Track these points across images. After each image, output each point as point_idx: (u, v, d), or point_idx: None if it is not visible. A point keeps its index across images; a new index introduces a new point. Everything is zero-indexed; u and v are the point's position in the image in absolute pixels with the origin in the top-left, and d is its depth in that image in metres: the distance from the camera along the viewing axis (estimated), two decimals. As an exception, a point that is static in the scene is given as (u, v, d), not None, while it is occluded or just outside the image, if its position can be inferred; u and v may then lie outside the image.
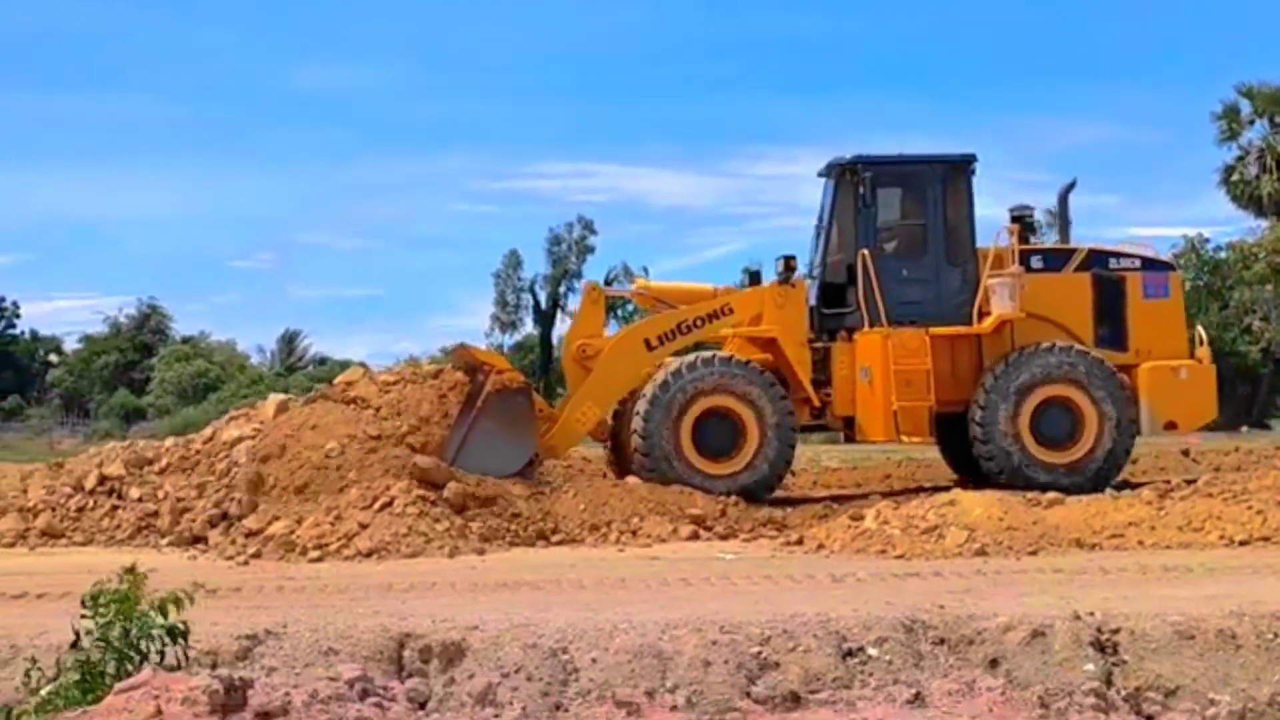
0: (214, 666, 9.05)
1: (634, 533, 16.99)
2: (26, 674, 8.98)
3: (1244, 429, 50.74)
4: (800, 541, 16.32)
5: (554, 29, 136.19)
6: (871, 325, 19.97)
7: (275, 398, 19.86)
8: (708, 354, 19.86)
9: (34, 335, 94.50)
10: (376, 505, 16.31)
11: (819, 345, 20.52)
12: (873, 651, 9.96)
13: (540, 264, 72.07)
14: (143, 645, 8.71)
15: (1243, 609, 10.38)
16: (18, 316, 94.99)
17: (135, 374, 76.01)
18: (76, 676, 8.59)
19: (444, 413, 18.16)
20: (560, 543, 16.76)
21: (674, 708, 7.59)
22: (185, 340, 78.92)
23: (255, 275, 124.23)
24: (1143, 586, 12.39)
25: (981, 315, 20.09)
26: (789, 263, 20.43)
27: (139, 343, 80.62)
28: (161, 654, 8.76)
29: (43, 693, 8.91)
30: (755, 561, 15.23)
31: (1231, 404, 61.96)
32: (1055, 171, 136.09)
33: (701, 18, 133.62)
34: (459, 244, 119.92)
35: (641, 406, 19.21)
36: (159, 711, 6.71)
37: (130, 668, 8.43)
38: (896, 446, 23.57)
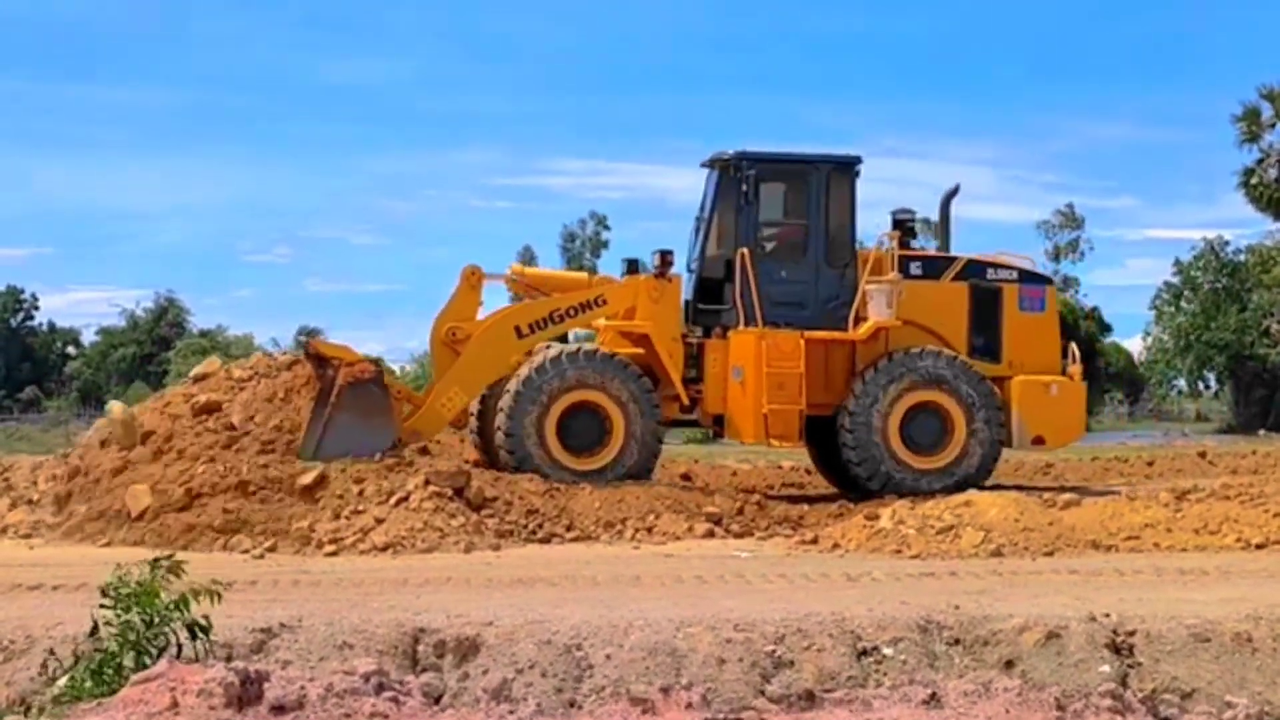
0: (229, 659, 9.06)
1: (649, 530, 16.99)
2: (44, 664, 9.00)
3: (1261, 432, 50.62)
4: (815, 540, 16.31)
5: (571, 24, 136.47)
6: (747, 324, 19.66)
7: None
8: (574, 347, 19.51)
9: (52, 327, 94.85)
10: (393, 500, 16.34)
11: (693, 341, 20.28)
12: (888, 651, 9.95)
13: (555, 260, 72.17)
14: (161, 638, 8.73)
15: (1259, 612, 10.36)
16: (36, 308, 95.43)
17: (152, 367, 76.12)
18: (93, 668, 8.61)
19: (296, 411, 17.85)
20: (575, 539, 16.76)
21: (689, 705, 7.59)
22: (203, 334, 79.01)
23: (272, 269, 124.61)
24: (1159, 589, 12.37)
25: (858, 320, 19.83)
26: (665, 257, 19.96)
27: (156, 335, 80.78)
28: (179, 647, 8.77)
29: (59, 684, 8.94)
30: (770, 560, 15.22)
31: (1249, 407, 61.99)
32: (1073, 172, 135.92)
33: (721, 15, 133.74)
34: (474, 239, 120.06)
35: (506, 400, 18.84)
36: (175, 703, 6.73)
37: (148, 660, 8.44)
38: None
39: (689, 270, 20.76)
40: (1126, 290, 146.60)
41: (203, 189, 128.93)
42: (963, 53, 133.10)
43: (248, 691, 6.96)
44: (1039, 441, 20.47)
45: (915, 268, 20.35)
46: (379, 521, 16.00)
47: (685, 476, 21.86)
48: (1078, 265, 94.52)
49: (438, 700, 8.84)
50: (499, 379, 19.47)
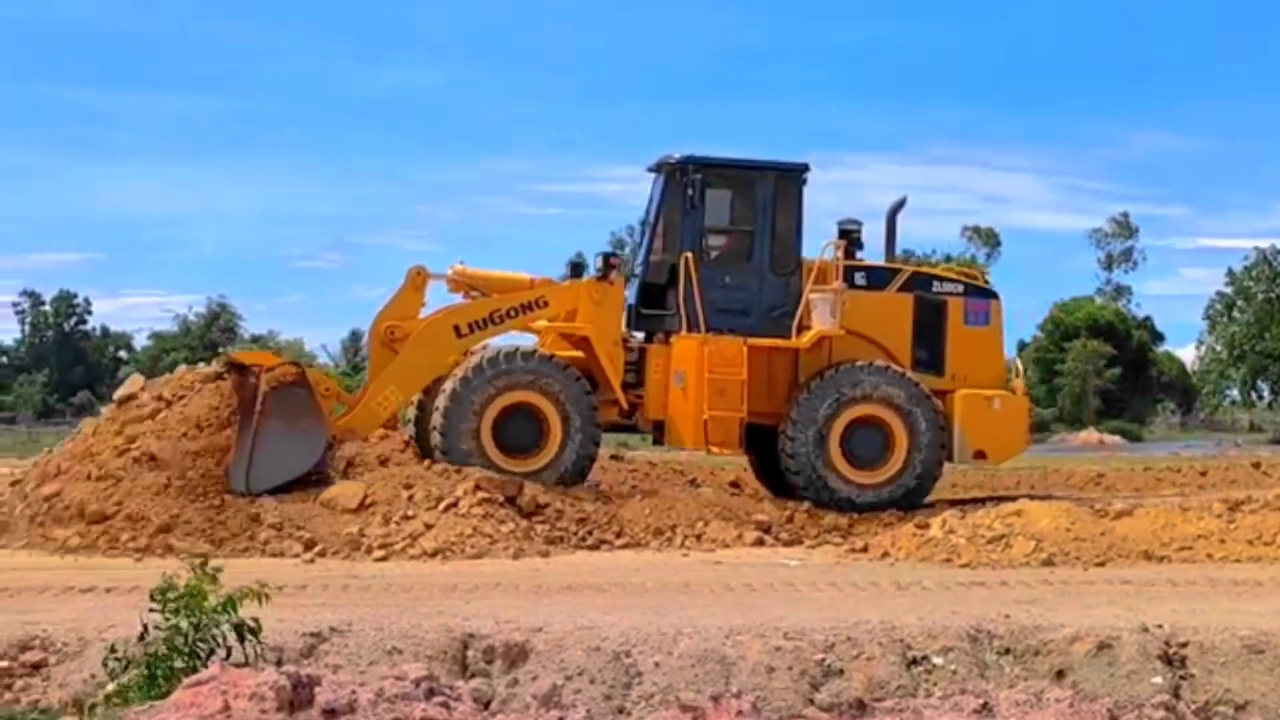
0: (279, 663, 9.10)
1: (699, 537, 16.98)
2: (104, 662, 9.07)
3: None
4: (865, 549, 16.27)
5: (618, 31, 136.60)
6: (689, 330, 19.30)
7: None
8: (511, 348, 19.06)
9: (104, 332, 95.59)
10: (442, 506, 16.38)
11: (635, 345, 20.01)
12: (938, 661, 9.92)
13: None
14: (209, 641, 8.77)
15: (1314, 624, 10.28)
16: (89, 313, 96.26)
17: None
18: (145, 671, 8.66)
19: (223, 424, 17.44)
20: (625, 546, 16.76)
21: (739, 713, 7.58)
22: (254, 339, 79.44)
23: (322, 275, 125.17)
24: (1211, 600, 12.29)
25: (801, 328, 19.53)
26: (609, 260, 19.75)
27: (208, 340, 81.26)
28: (229, 650, 8.82)
29: (111, 686, 8.99)
30: (820, 568, 15.19)
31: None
32: (1125, 181, 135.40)
33: (769, 22, 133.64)
34: (525, 246, 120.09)
35: (442, 400, 18.46)
36: (227, 707, 6.75)
37: (198, 663, 8.49)
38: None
39: (632, 274, 20.52)
40: (1179, 299, 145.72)
41: (252, 196, 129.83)
42: (1013, 61, 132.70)
43: (299, 696, 6.97)
44: (980, 456, 20.15)
45: (860, 278, 20.03)
46: (428, 527, 16.04)
47: (734, 484, 21.77)
48: (1130, 274, 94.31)
49: (487, 706, 8.85)
50: (436, 379, 19.19)
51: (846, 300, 19.44)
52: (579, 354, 19.31)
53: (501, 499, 16.79)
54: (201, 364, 19.16)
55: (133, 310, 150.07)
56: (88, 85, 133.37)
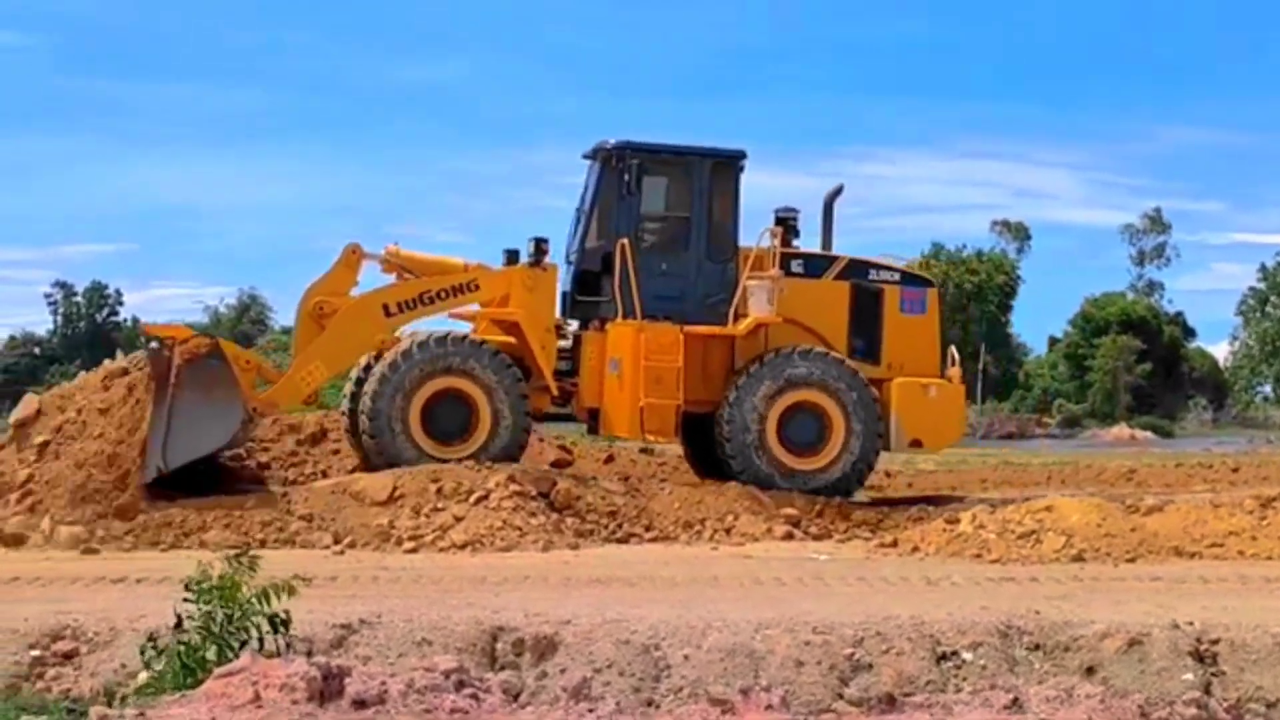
0: (309, 654, 9.12)
1: (728, 531, 16.99)
2: (141, 651, 9.11)
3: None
4: (895, 544, 16.24)
5: (652, 25, 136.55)
6: (625, 317, 19.16)
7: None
8: (443, 333, 18.87)
9: (136, 322, 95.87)
10: (472, 498, 16.42)
11: (570, 333, 19.91)
12: (967, 656, 9.89)
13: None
14: (243, 632, 8.81)
15: (1346, 622, 10.23)
16: (120, 304, 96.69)
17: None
18: (177, 661, 8.70)
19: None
20: (654, 540, 16.77)
21: (769, 707, 7.58)
22: (284, 330, 79.55)
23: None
24: (1243, 597, 12.24)
25: (738, 316, 19.41)
26: (540, 245, 19.43)
27: (239, 332, 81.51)
28: (261, 641, 8.85)
29: (143, 676, 9.03)
30: (849, 563, 15.18)
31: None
32: (1158, 176, 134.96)
33: (805, 17, 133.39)
34: (555, 238, 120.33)
35: (371, 385, 18.32)
36: (257, 697, 6.78)
37: (230, 654, 8.52)
38: (993, 449, 23.22)
39: (567, 261, 20.22)
40: (1212, 295, 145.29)
41: (284, 187, 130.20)
42: (1045, 55, 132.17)
43: (329, 686, 7.00)
44: (916, 444, 20.15)
45: (797, 266, 19.91)
46: (458, 519, 16.09)
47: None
48: (1163, 270, 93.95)
49: (516, 697, 8.86)
50: (361, 356, 19.12)
51: (784, 288, 19.33)
52: (510, 340, 19.09)
53: (534, 492, 16.81)
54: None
55: (164, 301, 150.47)
56: (121, 77, 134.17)
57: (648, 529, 16.99)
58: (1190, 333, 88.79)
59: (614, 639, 9.97)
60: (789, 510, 17.71)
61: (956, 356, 20.71)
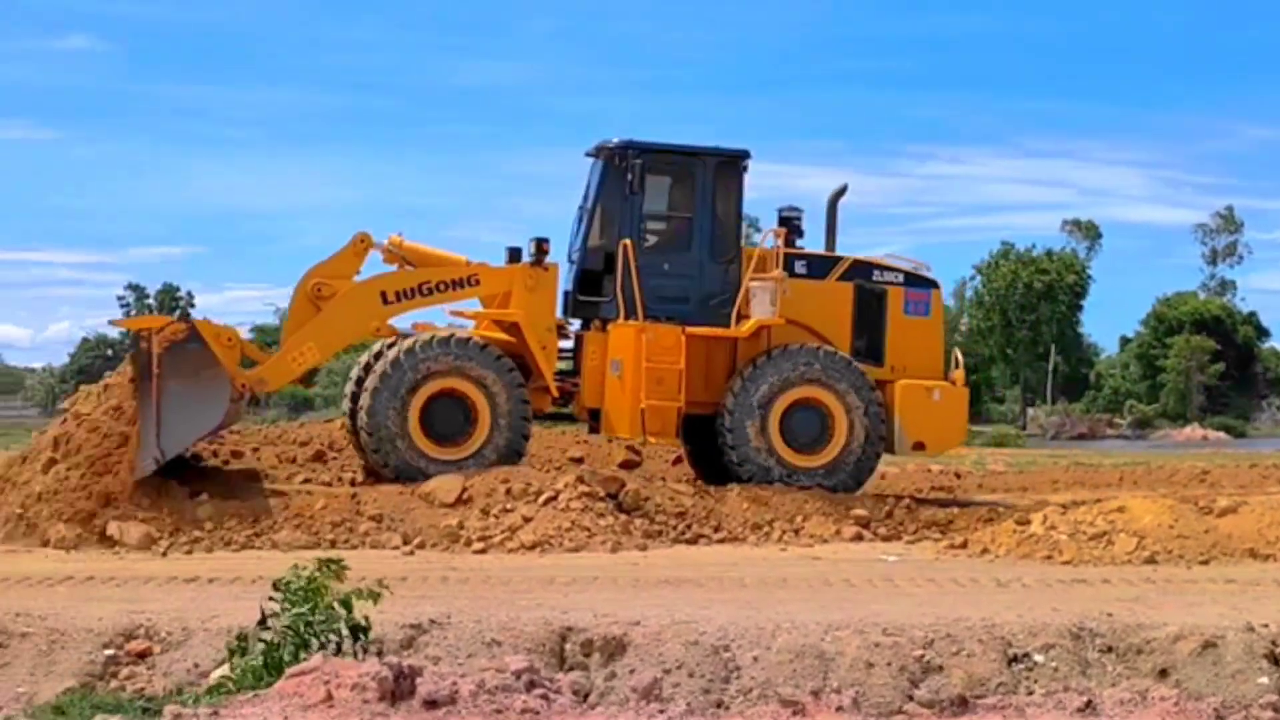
0: (380, 654, 9.17)
1: (796, 532, 16.95)
2: (227, 646, 9.18)
3: None
4: (964, 545, 16.15)
5: (713, 23, 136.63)
6: (627, 317, 18.94)
7: None
8: (444, 333, 18.64)
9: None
10: (541, 499, 16.45)
11: (572, 333, 19.75)
12: (1039, 658, 9.83)
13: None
14: (325, 635, 8.86)
15: None
16: (192, 306, 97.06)
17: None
18: (251, 660, 8.76)
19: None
20: (722, 541, 16.74)
21: (839, 709, 7.55)
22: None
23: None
24: (1320, 599, 12.10)
25: (740, 317, 19.21)
26: (541, 245, 19.17)
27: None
28: (339, 646, 8.90)
29: (216, 674, 9.11)
30: (918, 564, 15.11)
31: None
32: (1229, 174, 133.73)
33: (868, 14, 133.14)
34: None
35: (371, 383, 18.19)
36: (329, 697, 6.81)
37: (305, 654, 8.57)
38: (1064, 450, 23.02)
39: (570, 260, 20.01)
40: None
41: (353, 188, 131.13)
42: (1114, 52, 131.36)
43: (400, 686, 7.02)
44: (919, 447, 19.89)
45: (800, 266, 19.69)
46: (527, 520, 16.12)
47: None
48: (1235, 269, 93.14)
49: (586, 698, 8.87)
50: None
51: (786, 289, 19.18)
52: (511, 340, 18.93)
53: (602, 493, 16.83)
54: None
55: (235, 303, 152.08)
56: (191, 81, 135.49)
57: (716, 530, 16.97)
58: (1264, 332, 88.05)
59: (683, 640, 9.96)
60: (858, 511, 17.66)
61: (960, 358, 20.54)
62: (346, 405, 19.72)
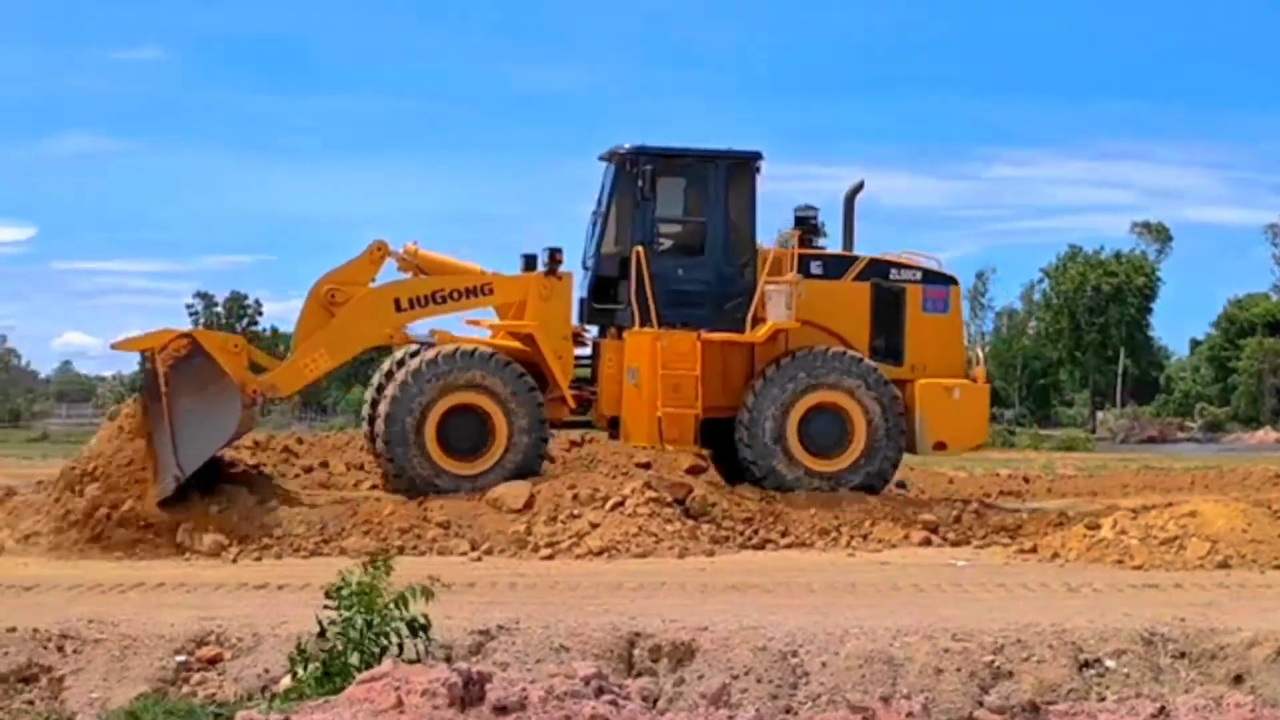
0: (449, 660, 9.21)
1: (864, 537, 16.89)
2: (290, 657, 9.24)
3: None
4: (1034, 550, 16.05)
5: (778, 27, 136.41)
6: (642, 324, 18.62)
7: None
8: (458, 347, 18.31)
9: (275, 332, 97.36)
10: (608, 505, 16.47)
11: (589, 340, 19.53)
12: (1110, 664, 9.77)
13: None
14: (383, 637, 8.90)
15: None
16: (260, 314, 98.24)
17: (371, 371, 77.63)
18: (320, 666, 8.81)
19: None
20: (790, 546, 16.70)
21: (909, 715, 7.51)
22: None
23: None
24: (1396, 604, 11.96)
25: (756, 320, 18.87)
26: (554, 255, 18.86)
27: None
28: (401, 646, 8.94)
29: (286, 681, 9.16)
30: (988, 569, 15.03)
31: None
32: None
33: (936, 16, 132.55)
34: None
35: (386, 400, 18.02)
36: (399, 703, 6.83)
37: (372, 660, 8.61)
38: (1133, 454, 22.81)
39: (584, 267, 19.69)
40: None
41: (417, 196, 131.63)
42: (1182, 52, 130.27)
43: (470, 692, 7.03)
44: (940, 447, 19.57)
45: (816, 267, 19.24)
46: (594, 526, 16.14)
47: (900, 484, 21.64)
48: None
49: (654, 704, 8.87)
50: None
51: (802, 291, 18.97)
52: (525, 349, 18.74)
53: (669, 499, 16.82)
54: None
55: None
56: (260, 90, 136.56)
57: (783, 535, 16.93)
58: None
59: (751, 646, 9.96)
60: (927, 516, 17.58)
61: (980, 356, 20.33)
62: (366, 411, 19.67)
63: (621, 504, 16.45)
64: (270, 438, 21.46)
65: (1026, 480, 24.74)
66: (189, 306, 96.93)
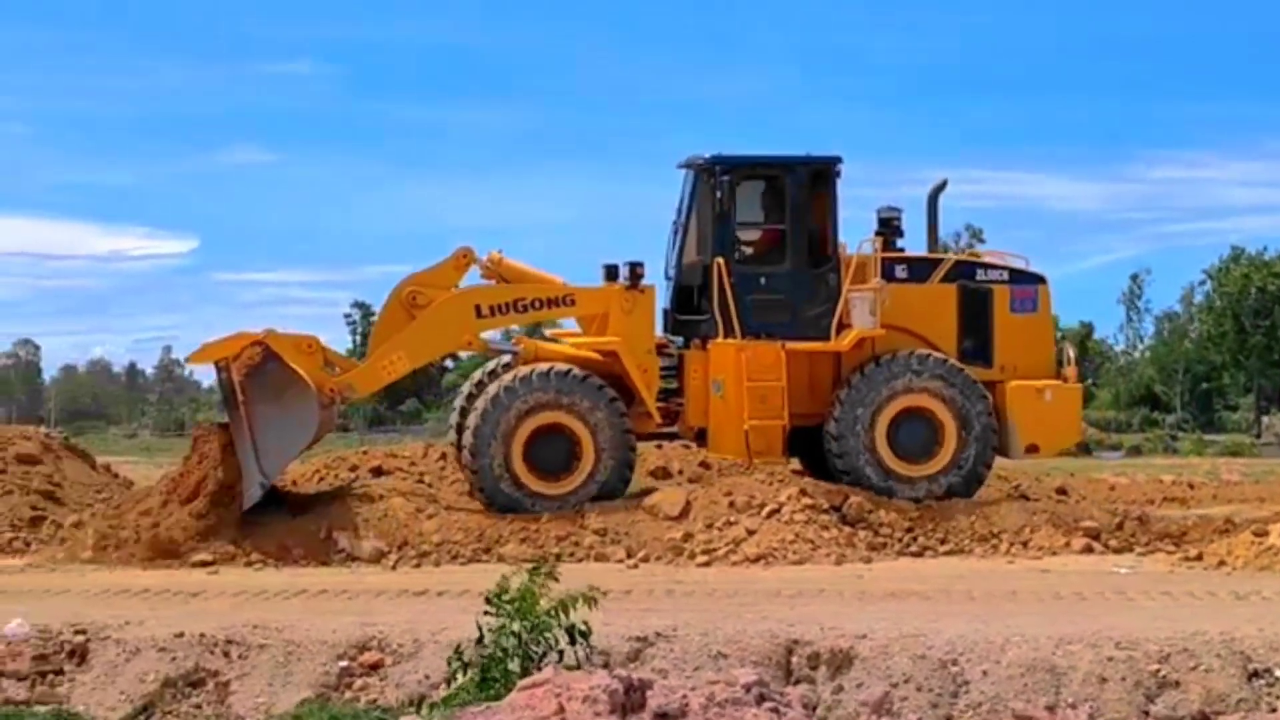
0: (607, 666, 9.24)
1: (1024, 544, 16.69)
2: (449, 662, 9.34)
3: None
4: (1200, 557, 15.77)
5: (936, 31, 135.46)
6: (726, 335, 18.42)
7: None
8: (544, 367, 18.08)
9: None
10: (764, 512, 16.45)
11: (674, 351, 19.22)
12: (1281, 674, 9.57)
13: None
14: (543, 644, 8.96)
15: None
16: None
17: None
18: (480, 672, 8.90)
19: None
20: (949, 553, 16.57)
21: (1074, 724, 7.43)
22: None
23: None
24: None
25: (841, 327, 18.56)
26: (635, 269, 18.60)
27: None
28: (560, 653, 8.99)
29: (446, 687, 9.26)
30: (1152, 577, 14.79)
31: None
32: None
33: (1098, 18, 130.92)
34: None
35: (473, 420, 17.86)
36: (561, 709, 6.87)
37: (531, 666, 8.68)
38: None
39: (666, 277, 19.58)
40: None
41: (570, 207, 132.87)
42: None
43: (631, 699, 7.04)
44: (1033, 449, 18.99)
45: (901, 271, 18.85)
46: (750, 533, 16.13)
47: (1061, 490, 21.35)
48: None
49: (814, 711, 8.83)
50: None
51: (886, 297, 18.60)
52: (609, 364, 18.50)
53: (825, 506, 16.76)
54: None
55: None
56: (415, 101, 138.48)
57: (942, 542, 16.80)
58: None
59: (911, 653, 9.89)
60: (1088, 523, 17.33)
61: (1072, 355, 19.92)
62: (454, 419, 19.56)
63: (778, 510, 16.43)
64: (429, 447, 21.65)
65: (1191, 486, 24.28)
66: (346, 316, 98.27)
